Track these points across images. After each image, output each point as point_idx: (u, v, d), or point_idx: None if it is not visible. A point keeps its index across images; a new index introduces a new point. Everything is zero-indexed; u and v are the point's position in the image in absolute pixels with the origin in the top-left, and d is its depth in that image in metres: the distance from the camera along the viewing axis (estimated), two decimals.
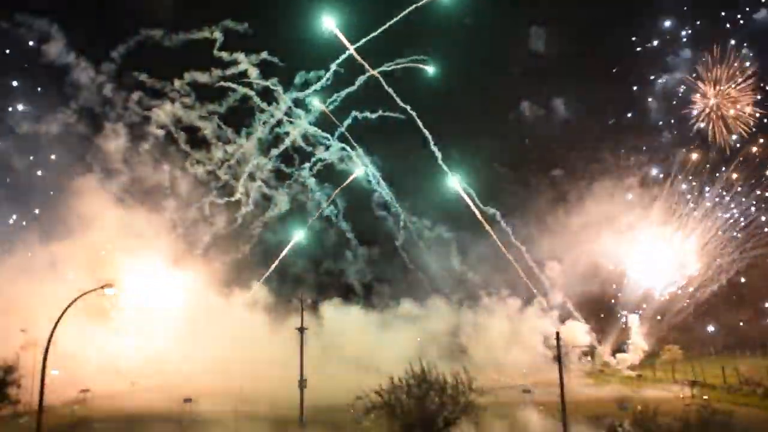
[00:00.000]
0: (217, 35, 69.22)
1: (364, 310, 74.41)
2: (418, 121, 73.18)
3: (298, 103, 73.72)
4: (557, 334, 38.21)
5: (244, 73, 70.56)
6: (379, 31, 68.28)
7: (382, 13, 67.71)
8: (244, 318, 70.10)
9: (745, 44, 77.95)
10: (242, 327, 68.29)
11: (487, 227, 76.09)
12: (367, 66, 70.23)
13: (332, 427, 44.55)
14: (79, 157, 67.43)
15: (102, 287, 31.03)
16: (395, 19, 67.93)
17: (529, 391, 50.81)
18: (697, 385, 55.65)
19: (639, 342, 76.66)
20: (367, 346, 67.02)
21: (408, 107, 72.26)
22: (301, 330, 48.78)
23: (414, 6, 67.52)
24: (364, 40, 68.98)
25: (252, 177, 74.29)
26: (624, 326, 79.21)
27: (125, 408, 51.16)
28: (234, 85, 70.85)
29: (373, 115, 74.21)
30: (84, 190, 64.75)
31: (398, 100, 72.08)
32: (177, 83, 70.70)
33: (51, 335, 28.12)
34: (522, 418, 45.93)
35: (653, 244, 79.16)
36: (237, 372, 59.04)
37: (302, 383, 46.43)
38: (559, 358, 36.51)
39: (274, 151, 74.54)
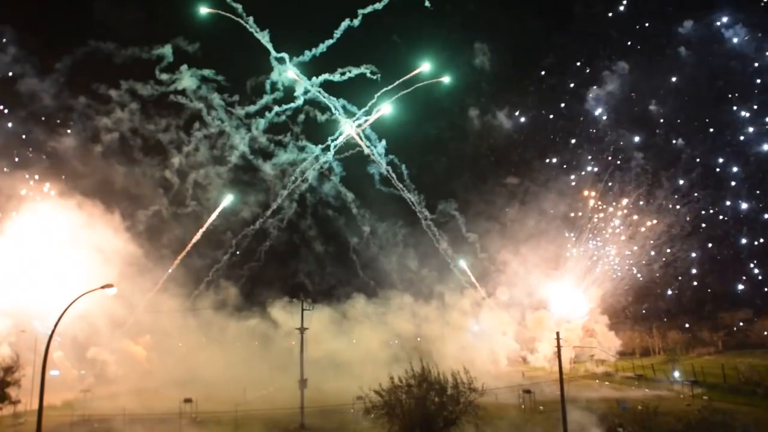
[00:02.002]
0: (167, 51, 71.24)
1: (325, 309, 74.33)
2: (369, 129, 76.90)
3: (250, 115, 76.18)
4: (557, 334, 37.95)
5: (193, 89, 72.94)
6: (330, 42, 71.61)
7: (327, 28, 71.40)
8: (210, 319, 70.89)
9: None
10: (210, 328, 69.11)
11: (432, 228, 77.20)
12: (306, 81, 73.51)
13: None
14: (30, 162, 67.63)
15: (102, 287, 30.96)
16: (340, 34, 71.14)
17: (530, 392, 50.80)
18: (697, 384, 55.64)
19: (606, 335, 76.60)
20: (336, 346, 67.27)
21: (351, 114, 75.69)
22: (301, 330, 48.78)
23: (347, 24, 70.73)
24: (294, 61, 72.75)
25: (205, 185, 76.20)
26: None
27: (125, 408, 51.08)
28: (184, 101, 73.02)
29: (323, 116, 76.98)
30: (38, 195, 64.97)
31: (339, 109, 75.21)
32: (127, 93, 72.14)
33: (51, 335, 28.06)
34: (522, 418, 45.96)
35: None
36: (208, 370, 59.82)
37: (302, 383, 46.49)
38: (559, 358, 36.45)
39: (233, 156, 76.81)
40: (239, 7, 69.02)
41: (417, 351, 67.22)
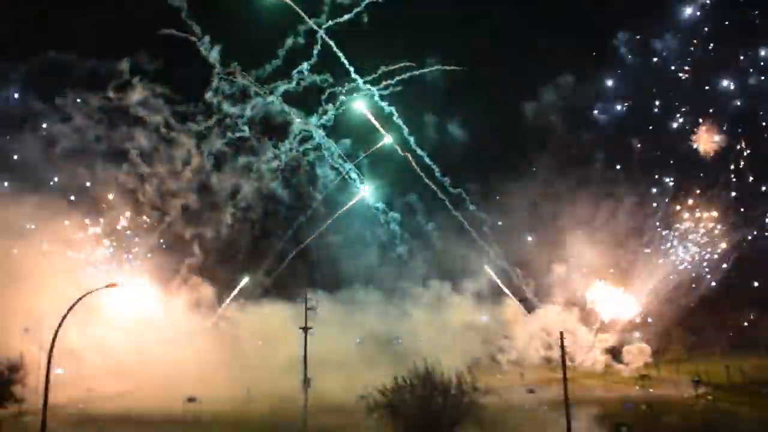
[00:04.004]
0: (125, 66, 71.08)
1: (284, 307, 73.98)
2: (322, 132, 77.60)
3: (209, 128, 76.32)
4: (561, 334, 37.67)
5: (147, 103, 72.64)
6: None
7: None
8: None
9: None
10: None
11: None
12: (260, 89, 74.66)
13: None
14: None
15: (106, 286, 31.08)
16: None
17: (533, 391, 50.74)
18: (701, 384, 55.48)
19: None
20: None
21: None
22: (305, 330, 48.99)
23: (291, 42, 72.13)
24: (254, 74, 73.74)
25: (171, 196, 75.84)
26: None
27: (129, 407, 51.29)
28: (143, 113, 72.59)
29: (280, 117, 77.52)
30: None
31: (296, 119, 76.88)
32: (82, 104, 71.17)
33: (55, 334, 28.16)
34: (526, 417, 45.88)
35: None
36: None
37: (306, 383, 46.77)
38: (563, 358, 36.32)
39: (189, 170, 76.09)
40: (194, 24, 70.46)
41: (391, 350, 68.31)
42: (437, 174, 77.16)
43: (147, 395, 56.87)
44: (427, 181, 77.59)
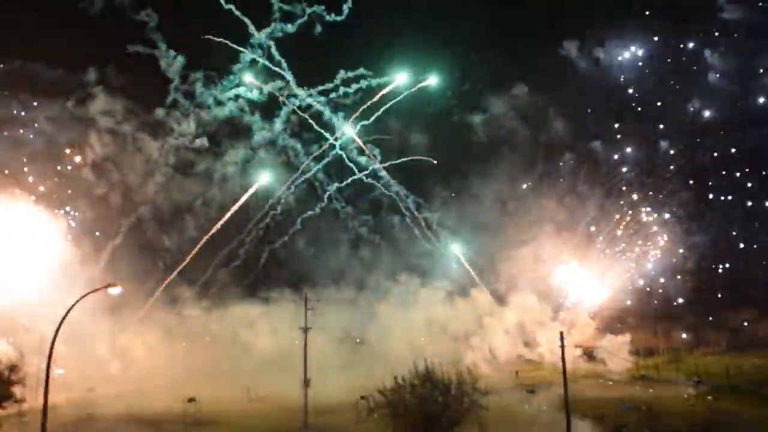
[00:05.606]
0: (91, 77, 73.02)
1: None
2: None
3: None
4: (561, 334, 37.64)
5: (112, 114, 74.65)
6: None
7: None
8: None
9: None
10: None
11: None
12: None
13: None
14: None
15: (105, 287, 31.01)
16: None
17: (533, 392, 50.73)
18: (701, 384, 55.48)
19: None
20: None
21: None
22: (305, 329, 49.10)
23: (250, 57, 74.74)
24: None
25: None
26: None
27: (130, 407, 51.33)
28: (111, 123, 74.55)
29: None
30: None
31: (255, 124, 79.57)
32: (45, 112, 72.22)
33: (55, 334, 28.11)
34: (526, 417, 45.88)
35: None
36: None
37: (306, 382, 46.93)
38: (563, 358, 36.30)
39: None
40: (158, 38, 72.81)
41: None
42: (390, 180, 79.90)
43: (147, 395, 57.05)
44: (388, 178, 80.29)
